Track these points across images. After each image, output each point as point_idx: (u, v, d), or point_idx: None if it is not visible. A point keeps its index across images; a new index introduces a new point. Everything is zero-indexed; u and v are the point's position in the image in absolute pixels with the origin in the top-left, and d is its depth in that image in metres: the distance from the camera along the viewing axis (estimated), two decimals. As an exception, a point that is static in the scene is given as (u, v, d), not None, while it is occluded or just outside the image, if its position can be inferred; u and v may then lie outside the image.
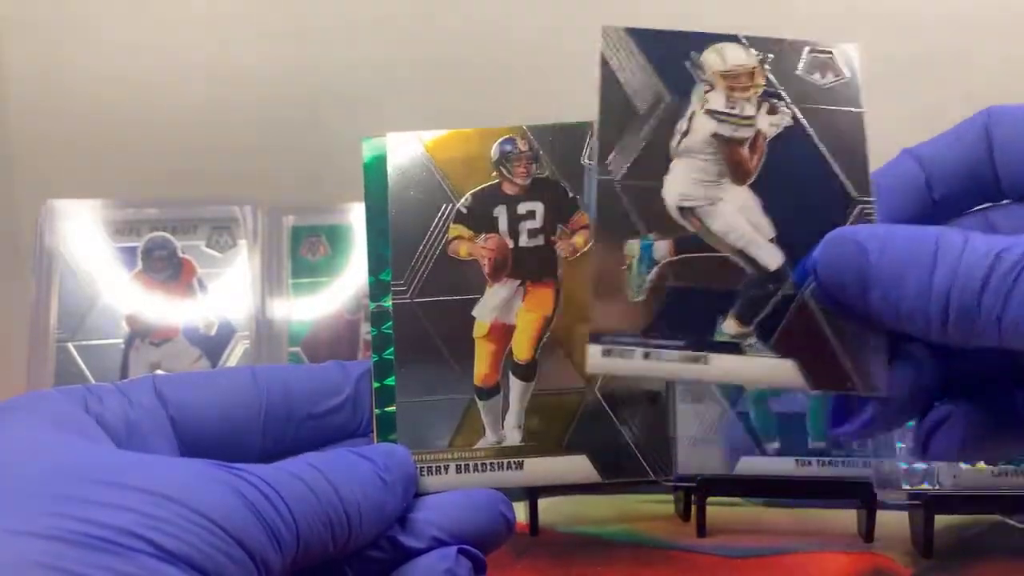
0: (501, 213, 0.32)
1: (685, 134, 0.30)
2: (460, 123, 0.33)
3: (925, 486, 0.43)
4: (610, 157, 0.29)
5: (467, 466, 0.30)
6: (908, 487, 0.44)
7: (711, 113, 0.30)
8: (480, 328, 0.32)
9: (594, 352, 0.28)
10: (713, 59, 0.31)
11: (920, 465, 0.44)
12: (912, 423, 0.29)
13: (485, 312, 0.32)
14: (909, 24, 0.65)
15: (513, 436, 0.31)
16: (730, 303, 0.28)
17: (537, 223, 0.32)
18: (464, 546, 0.28)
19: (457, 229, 0.32)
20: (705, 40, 0.32)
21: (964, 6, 0.65)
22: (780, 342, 0.28)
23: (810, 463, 0.47)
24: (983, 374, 0.29)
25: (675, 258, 0.29)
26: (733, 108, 0.30)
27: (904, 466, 0.44)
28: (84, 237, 0.52)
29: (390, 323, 0.31)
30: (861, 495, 0.46)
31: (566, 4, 0.66)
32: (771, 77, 0.31)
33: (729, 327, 0.28)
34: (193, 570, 0.22)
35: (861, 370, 0.28)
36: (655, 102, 0.31)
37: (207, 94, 0.67)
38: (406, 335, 0.31)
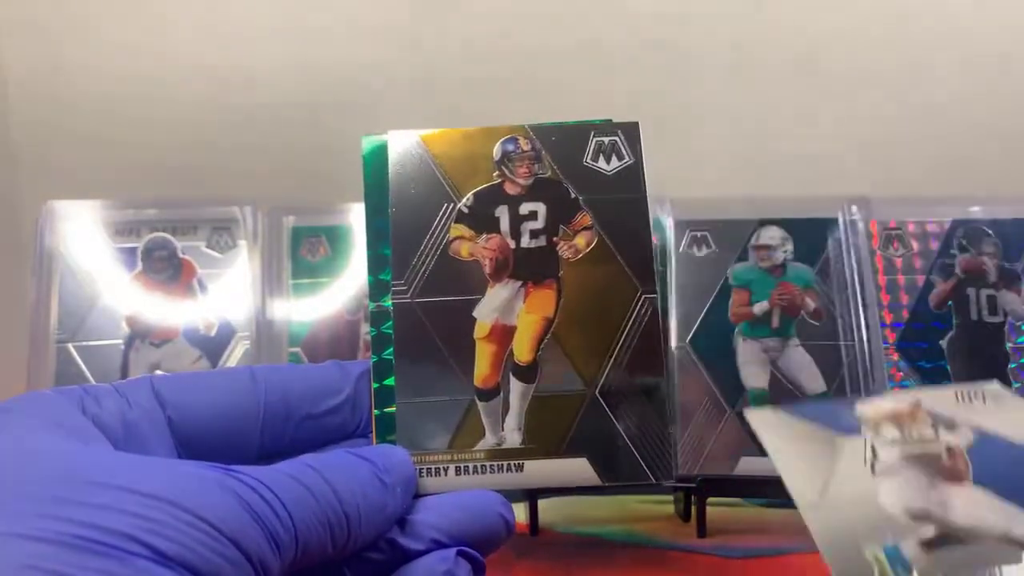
0: (503, 213, 0.32)
1: (875, 458, 0.30)
2: (461, 124, 0.33)
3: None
4: None
5: (467, 467, 0.30)
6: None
7: (893, 442, 0.31)
8: (481, 329, 0.31)
9: None
10: (869, 411, 0.32)
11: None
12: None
13: (486, 313, 0.31)
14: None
15: (513, 438, 0.31)
16: None
17: (539, 224, 0.32)
18: (463, 548, 0.28)
19: (458, 229, 0.32)
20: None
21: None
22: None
23: (810, 463, 0.47)
24: None
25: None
26: (911, 434, 0.31)
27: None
28: (84, 238, 0.52)
29: (390, 323, 0.31)
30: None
31: (567, 4, 0.66)
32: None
33: None
34: (190, 574, 0.21)
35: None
36: None
37: (207, 94, 0.67)
38: (406, 335, 0.31)
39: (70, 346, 0.51)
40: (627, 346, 0.31)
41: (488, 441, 0.31)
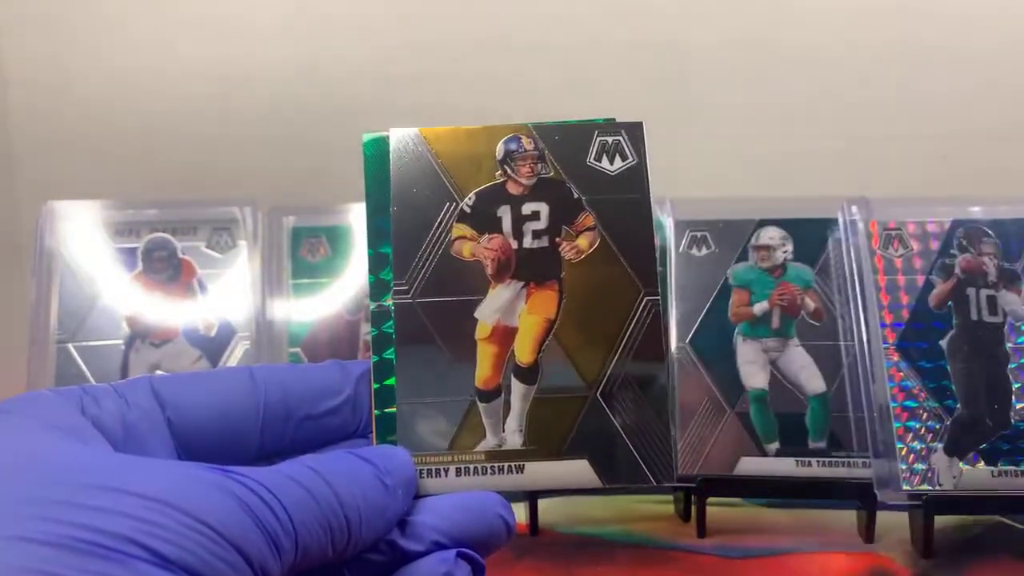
0: (505, 213, 0.32)
1: None
2: (461, 124, 0.33)
3: (925, 486, 0.43)
4: None
5: (467, 469, 0.30)
6: (908, 488, 0.43)
7: None
8: (482, 330, 0.31)
9: None
10: None
11: (920, 465, 0.44)
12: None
13: (488, 314, 0.31)
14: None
15: (514, 439, 0.31)
16: None
17: (541, 224, 0.32)
18: (463, 549, 0.28)
19: (460, 229, 0.32)
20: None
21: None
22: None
23: (810, 463, 0.47)
24: None
25: None
26: None
27: (904, 466, 0.44)
28: (84, 238, 0.52)
29: (390, 323, 0.31)
30: (861, 495, 0.46)
31: (567, 4, 0.66)
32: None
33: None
34: None
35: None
36: None
37: (207, 95, 0.67)
38: (408, 335, 0.31)
39: (70, 346, 0.51)
40: (629, 348, 0.31)
41: (489, 442, 0.31)
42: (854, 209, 0.49)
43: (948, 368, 0.45)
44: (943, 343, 0.46)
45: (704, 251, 0.50)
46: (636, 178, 0.32)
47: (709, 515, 0.48)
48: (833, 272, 0.50)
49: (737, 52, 0.66)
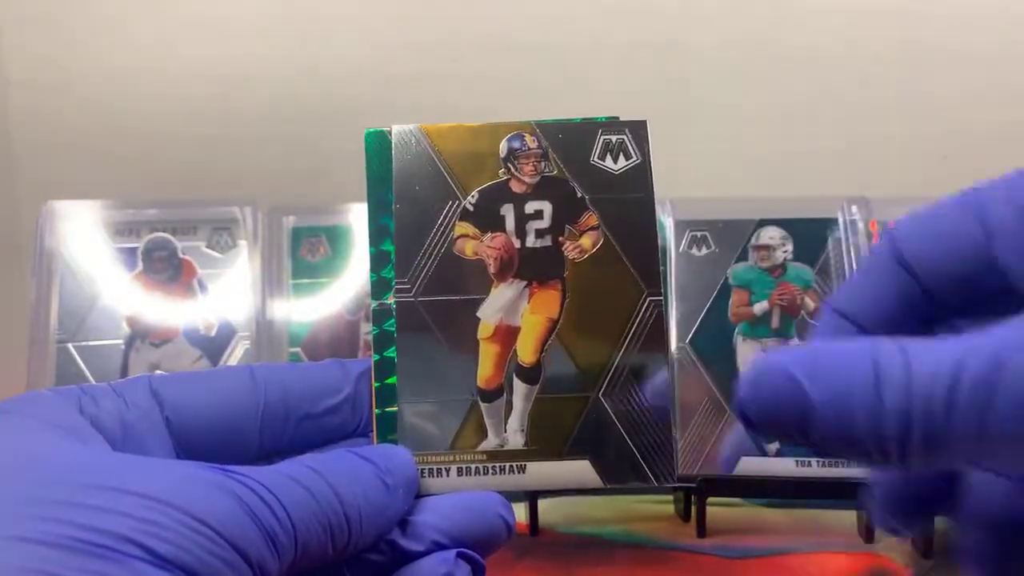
0: (508, 212, 0.32)
1: None
2: (463, 123, 0.33)
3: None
4: None
5: (468, 468, 0.30)
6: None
7: None
8: (485, 329, 0.31)
9: None
10: None
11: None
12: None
13: (490, 313, 0.31)
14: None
15: (516, 439, 0.30)
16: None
17: (545, 223, 0.32)
18: (463, 550, 0.28)
19: (463, 227, 0.31)
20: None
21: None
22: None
23: (810, 463, 0.47)
24: None
25: None
26: None
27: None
28: (84, 238, 0.52)
29: (392, 321, 0.31)
30: (861, 495, 0.46)
31: (568, 3, 0.66)
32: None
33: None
34: None
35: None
36: None
37: (207, 94, 0.67)
38: (410, 334, 0.31)
39: (70, 346, 0.51)
40: (631, 348, 0.31)
41: (491, 442, 0.30)
42: (854, 209, 0.49)
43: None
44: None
45: (704, 251, 0.50)
46: (640, 177, 0.32)
47: (709, 515, 0.48)
48: (833, 272, 0.50)
49: (737, 52, 0.66)
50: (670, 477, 0.30)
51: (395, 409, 0.31)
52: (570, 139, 0.32)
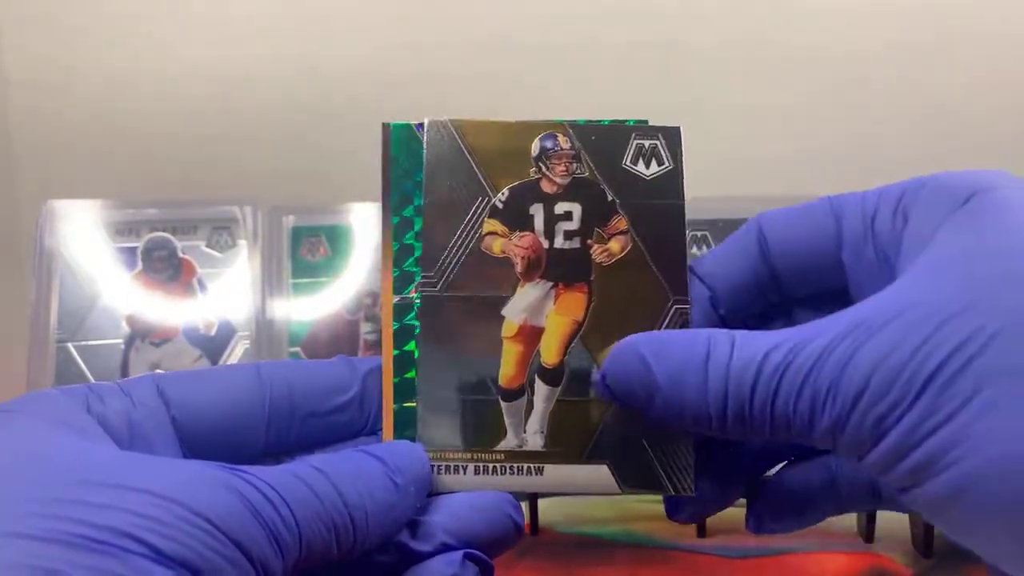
0: (538, 211, 0.31)
1: None
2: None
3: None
4: None
5: (486, 468, 0.30)
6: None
7: None
8: (509, 328, 0.31)
9: None
10: None
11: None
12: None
13: (515, 312, 0.31)
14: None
15: (535, 441, 0.30)
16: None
17: (574, 224, 0.31)
18: (470, 551, 0.27)
19: (492, 224, 0.31)
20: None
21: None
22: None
23: (810, 463, 0.47)
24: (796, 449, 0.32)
25: None
26: None
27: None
28: (84, 237, 0.52)
29: (412, 315, 0.31)
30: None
31: (568, 3, 0.66)
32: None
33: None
34: (189, 572, 0.21)
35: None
36: None
37: (207, 94, 0.67)
38: (432, 329, 0.30)
39: (70, 346, 0.51)
40: None
41: (510, 442, 0.30)
42: (854, 209, 0.49)
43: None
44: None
45: (704, 251, 0.50)
46: (671, 184, 0.32)
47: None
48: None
49: (737, 52, 0.66)
50: (688, 487, 0.30)
51: (413, 404, 0.30)
52: (603, 141, 0.32)
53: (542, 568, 0.44)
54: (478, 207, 0.31)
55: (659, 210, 0.32)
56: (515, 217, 0.31)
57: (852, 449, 0.25)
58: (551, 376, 0.31)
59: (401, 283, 0.31)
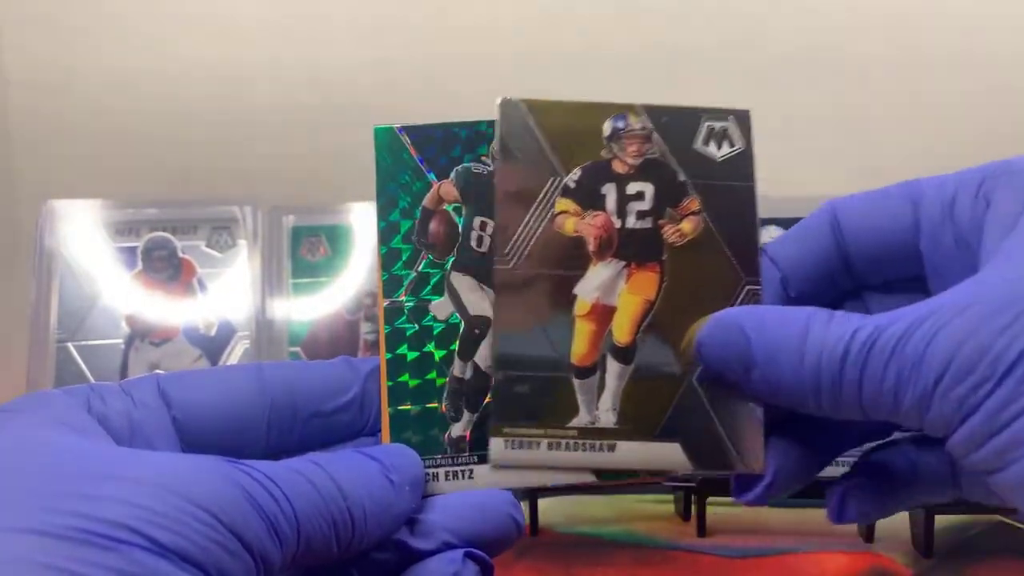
0: (610, 191, 0.31)
1: None
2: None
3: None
4: None
5: (559, 444, 0.30)
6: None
7: None
8: (581, 307, 0.31)
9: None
10: None
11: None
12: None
13: (587, 291, 0.31)
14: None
15: (607, 418, 0.30)
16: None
17: (646, 205, 0.31)
18: (471, 549, 0.28)
19: (564, 203, 0.31)
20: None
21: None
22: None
23: (810, 463, 0.47)
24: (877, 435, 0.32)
25: None
26: None
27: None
28: (84, 237, 0.52)
29: (403, 319, 0.31)
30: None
31: (568, 3, 0.66)
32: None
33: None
34: (188, 564, 0.21)
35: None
36: None
37: (207, 94, 0.67)
38: (506, 309, 0.30)
39: (70, 346, 0.51)
40: None
41: (582, 419, 0.30)
42: (854, 209, 0.49)
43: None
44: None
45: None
46: (743, 165, 0.32)
47: (709, 515, 0.48)
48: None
49: (735, 52, 0.66)
50: (759, 465, 0.30)
51: (409, 408, 0.30)
52: (674, 123, 0.32)
53: (542, 568, 0.44)
54: (550, 186, 0.31)
55: (730, 191, 0.32)
56: (587, 197, 0.31)
57: (938, 428, 0.25)
58: (623, 354, 0.31)
59: (391, 287, 0.31)
